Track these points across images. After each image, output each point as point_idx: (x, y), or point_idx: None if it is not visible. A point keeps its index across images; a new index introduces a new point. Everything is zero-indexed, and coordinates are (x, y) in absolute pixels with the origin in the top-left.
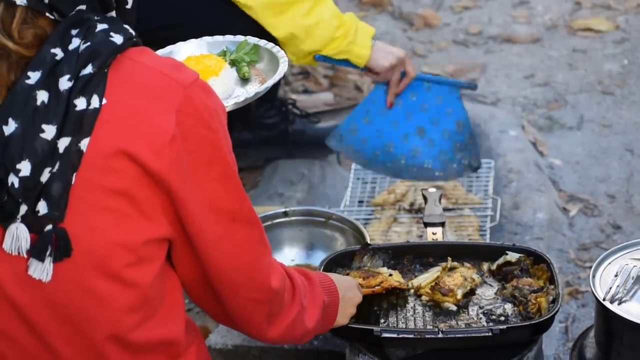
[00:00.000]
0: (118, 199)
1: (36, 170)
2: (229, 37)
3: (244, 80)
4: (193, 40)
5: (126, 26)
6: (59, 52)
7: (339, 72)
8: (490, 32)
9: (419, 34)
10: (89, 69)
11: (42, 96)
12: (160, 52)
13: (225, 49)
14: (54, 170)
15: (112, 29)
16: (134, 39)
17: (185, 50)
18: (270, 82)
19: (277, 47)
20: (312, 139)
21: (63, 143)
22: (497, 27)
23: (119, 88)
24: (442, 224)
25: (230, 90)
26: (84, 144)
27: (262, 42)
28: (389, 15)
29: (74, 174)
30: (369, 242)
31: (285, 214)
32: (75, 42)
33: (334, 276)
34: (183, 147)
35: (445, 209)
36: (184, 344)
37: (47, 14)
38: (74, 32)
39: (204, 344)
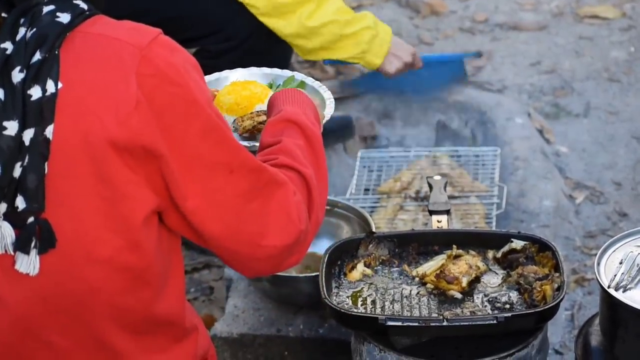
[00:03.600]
0: (95, 184)
1: (6, 168)
2: (277, 71)
3: None
4: (240, 69)
5: (77, 2)
6: (9, 46)
7: (346, 65)
8: (496, 19)
9: (426, 22)
10: (37, 56)
11: None
12: (207, 77)
13: (271, 82)
14: (25, 163)
15: (59, 8)
16: (87, 12)
17: (232, 78)
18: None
19: (324, 86)
20: None
21: (28, 135)
22: (504, 15)
23: (74, 67)
24: (447, 212)
25: None
26: (49, 131)
27: (309, 80)
28: (395, 3)
29: (46, 164)
30: (374, 230)
31: None
32: (22, 32)
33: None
34: (150, 109)
35: (452, 197)
36: (185, 326)
37: (3, 14)
38: (21, 21)
39: (206, 331)
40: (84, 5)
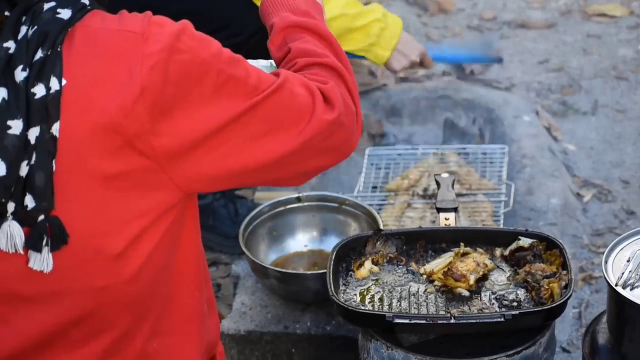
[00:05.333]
0: (106, 177)
1: (12, 168)
2: (262, 62)
3: None
4: None
5: None
6: (11, 45)
7: (353, 58)
8: (504, 17)
9: (434, 20)
10: (39, 53)
11: (1, 93)
12: None
13: (270, 63)
14: (32, 162)
15: (59, 4)
16: (88, 7)
17: None
18: None
19: None
20: None
21: (33, 133)
22: (512, 13)
23: (76, 63)
24: (455, 209)
25: None
26: (55, 129)
27: None
28: (403, 0)
29: (53, 161)
30: (381, 227)
31: (299, 199)
32: (24, 30)
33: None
34: (164, 86)
35: (459, 195)
36: (197, 309)
37: (6, 12)
38: (23, 19)
39: (219, 325)
40: (85, 1)
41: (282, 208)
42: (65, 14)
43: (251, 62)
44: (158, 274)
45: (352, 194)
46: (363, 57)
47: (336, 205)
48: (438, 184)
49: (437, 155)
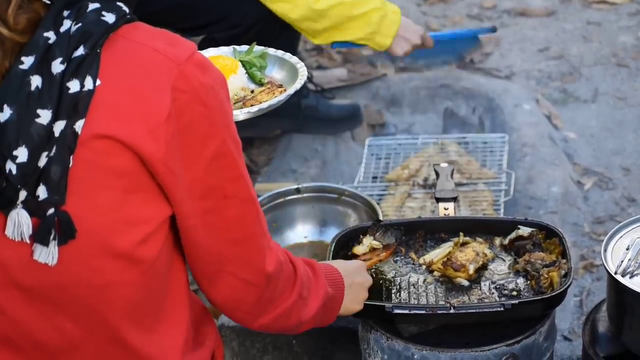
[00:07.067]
0: (118, 178)
1: (33, 156)
2: (224, 48)
3: (260, 85)
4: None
5: (120, 4)
6: (51, 36)
7: (353, 48)
8: (504, 5)
9: (433, 9)
10: (80, 51)
11: (36, 81)
12: None
13: (234, 48)
14: (51, 154)
15: (104, 7)
16: (128, 16)
17: None
18: (293, 89)
19: (288, 54)
20: (323, 115)
21: (59, 126)
22: (511, 1)
23: (113, 68)
24: (454, 199)
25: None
26: (79, 125)
27: (271, 50)
28: None
29: (71, 157)
30: (381, 218)
31: (298, 190)
32: (67, 24)
33: (339, 264)
34: (177, 124)
35: (459, 184)
36: (195, 322)
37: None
38: (65, 13)
39: (214, 322)
40: (126, 9)
41: (281, 200)
42: (109, 18)
43: (224, 48)
44: (157, 281)
45: (352, 184)
46: (365, 46)
47: (335, 196)
48: (437, 173)
49: (437, 145)
